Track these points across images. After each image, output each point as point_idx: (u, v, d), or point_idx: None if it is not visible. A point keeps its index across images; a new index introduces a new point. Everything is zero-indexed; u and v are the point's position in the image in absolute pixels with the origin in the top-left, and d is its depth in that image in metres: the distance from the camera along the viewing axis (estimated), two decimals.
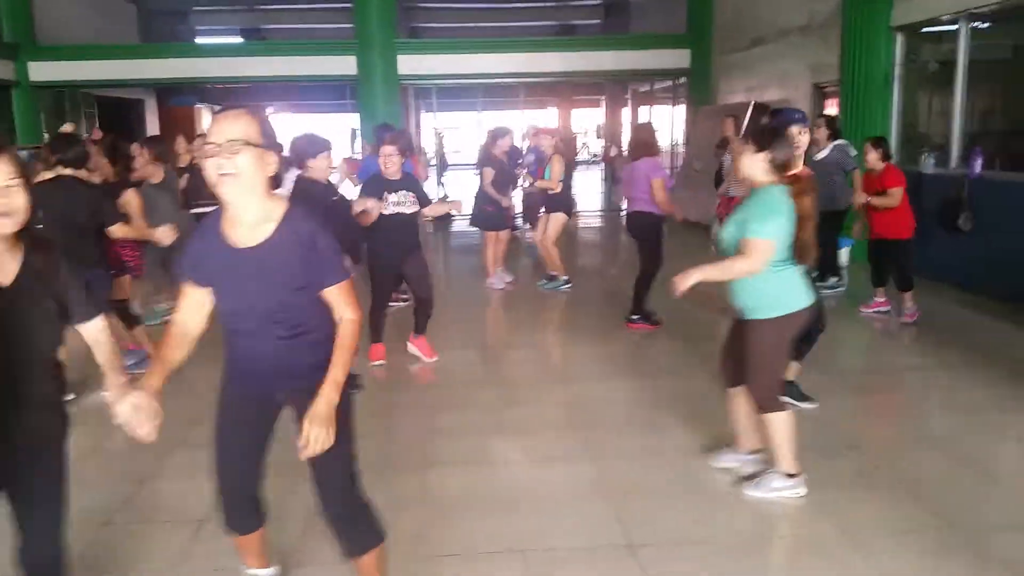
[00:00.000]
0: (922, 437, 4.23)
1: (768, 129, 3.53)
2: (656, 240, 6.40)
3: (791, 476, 3.52)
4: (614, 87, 22.42)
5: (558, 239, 8.17)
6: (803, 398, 4.52)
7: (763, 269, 3.28)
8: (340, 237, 2.44)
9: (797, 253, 3.35)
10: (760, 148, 3.32)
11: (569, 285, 8.07)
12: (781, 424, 3.48)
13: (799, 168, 3.80)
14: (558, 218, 8.07)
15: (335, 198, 5.00)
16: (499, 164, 8.32)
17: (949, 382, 5.06)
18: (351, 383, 2.37)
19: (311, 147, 4.75)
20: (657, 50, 15.24)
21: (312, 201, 4.48)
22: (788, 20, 10.89)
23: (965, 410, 4.58)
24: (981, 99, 7.84)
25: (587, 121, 28.45)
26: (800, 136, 4.27)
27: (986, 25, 7.51)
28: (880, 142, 6.39)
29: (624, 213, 6.68)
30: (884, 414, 4.74)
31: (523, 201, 10.26)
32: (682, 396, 4.79)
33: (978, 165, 7.26)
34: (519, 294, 8.11)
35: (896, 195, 6.10)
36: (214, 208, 2.35)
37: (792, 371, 4.46)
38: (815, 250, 3.42)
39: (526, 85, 21.56)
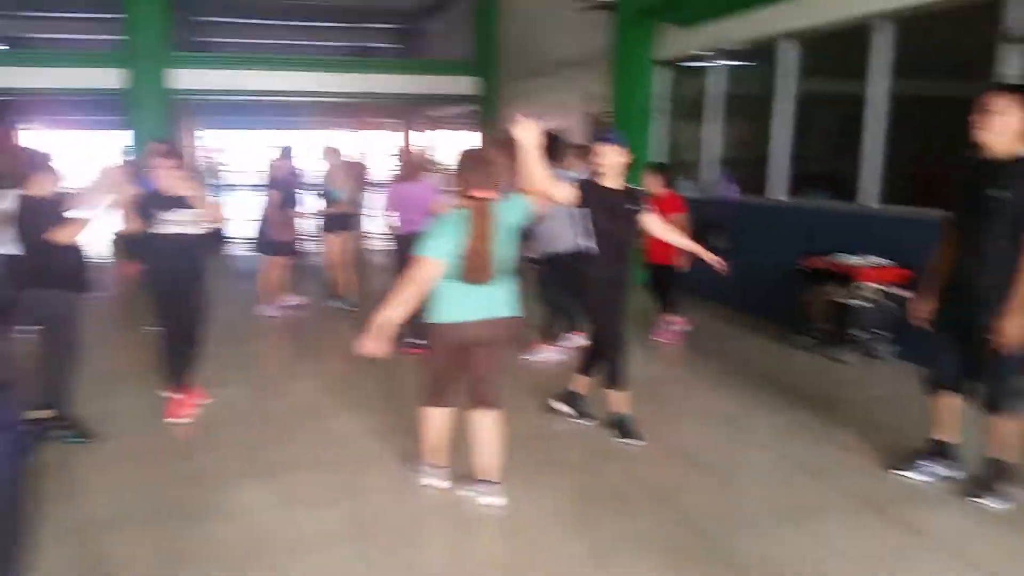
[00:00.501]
0: (672, 447, 4.42)
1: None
2: None
3: (435, 467, 3.80)
4: (413, 111, 22.52)
5: (348, 259, 8.14)
6: (583, 415, 4.70)
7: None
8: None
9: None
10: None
11: (355, 307, 7.92)
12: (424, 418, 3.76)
13: None
14: (345, 239, 8.13)
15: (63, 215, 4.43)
16: (285, 185, 8.01)
17: (704, 393, 5.37)
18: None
19: (30, 164, 4.25)
20: (448, 76, 15.48)
21: (41, 219, 4.11)
22: (563, 52, 11.39)
23: (717, 420, 4.86)
24: (735, 129, 8.53)
25: (387, 144, 28.31)
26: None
27: (738, 63, 8.21)
28: (660, 168, 6.72)
29: (397, 235, 6.57)
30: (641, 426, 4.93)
31: (313, 224, 9.96)
32: None
33: (730, 189, 7.90)
34: (296, 322, 7.78)
35: (678, 222, 6.37)
36: None
37: (582, 385, 4.70)
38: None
39: (318, 105, 21.13)
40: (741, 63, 8.21)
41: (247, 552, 3.26)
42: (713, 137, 8.52)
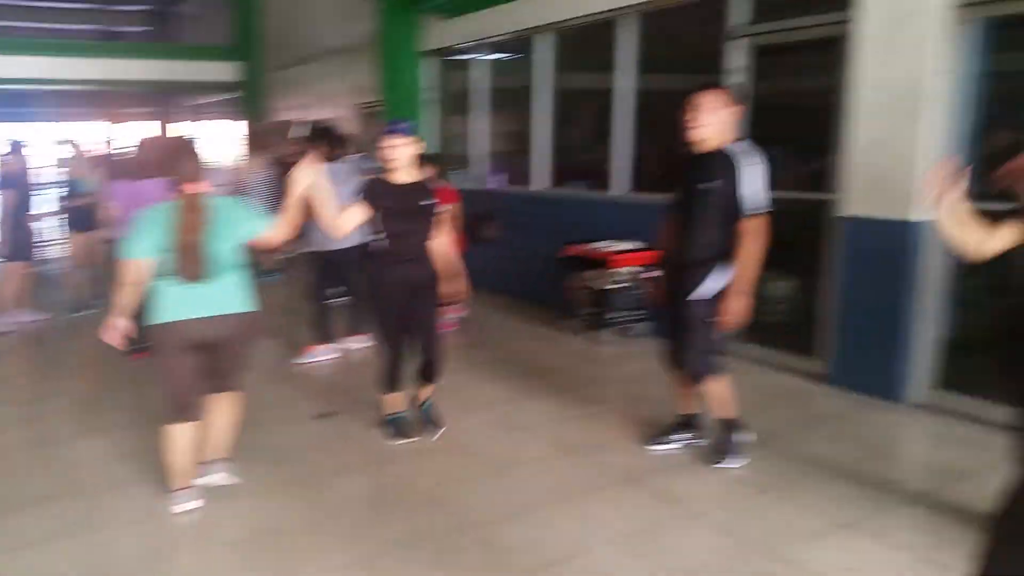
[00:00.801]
0: (449, 442, 4.40)
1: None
2: None
3: (185, 490, 3.53)
4: (167, 100, 20.88)
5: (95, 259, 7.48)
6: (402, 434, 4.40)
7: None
8: None
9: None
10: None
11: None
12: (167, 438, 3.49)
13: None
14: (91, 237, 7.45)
15: None
16: (19, 185, 7.14)
17: (478, 384, 5.41)
18: None
19: None
20: (205, 61, 14.52)
21: None
22: (330, 40, 11.05)
23: (491, 410, 4.92)
24: (500, 122, 8.71)
25: (141, 135, 26.07)
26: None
27: (500, 56, 8.37)
28: (433, 159, 6.63)
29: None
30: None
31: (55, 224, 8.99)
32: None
33: (498, 181, 8.06)
34: (37, 336, 6.95)
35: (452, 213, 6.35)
36: None
37: (398, 402, 4.43)
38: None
39: (59, 94, 19.00)
40: (503, 56, 8.39)
41: None
42: (480, 129, 8.65)
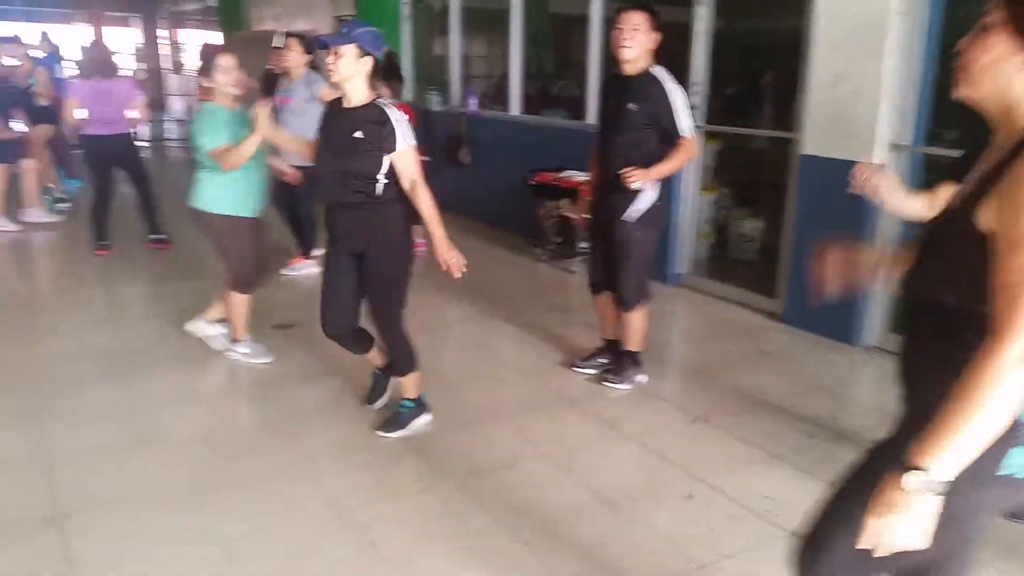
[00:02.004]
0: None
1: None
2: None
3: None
4: (147, 6, 20.19)
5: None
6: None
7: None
8: None
9: None
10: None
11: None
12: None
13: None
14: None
15: None
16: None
17: (447, 306, 5.45)
18: None
19: None
20: None
21: None
22: None
23: (456, 332, 4.99)
24: (478, 44, 8.55)
25: (124, 41, 25.34)
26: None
27: None
28: (389, 74, 6.51)
29: (97, 135, 6.17)
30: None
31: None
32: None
33: (473, 103, 7.96)
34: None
35: None
36: None
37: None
38: None
39: None
40: None
41: None
42: (456, 50, 8.49)
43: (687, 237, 6.01)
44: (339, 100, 3.25)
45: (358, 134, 3.14)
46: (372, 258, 3.30)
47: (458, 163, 7.92)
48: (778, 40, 5.37)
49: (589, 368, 4.27)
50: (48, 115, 7.42)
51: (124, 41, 25.08)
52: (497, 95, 8.08)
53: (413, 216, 3.33)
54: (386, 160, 3.16)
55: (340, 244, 3.34)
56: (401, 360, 3.52)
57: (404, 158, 3.19)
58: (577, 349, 4.58)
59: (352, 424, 3.60)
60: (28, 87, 7.47)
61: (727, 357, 4.62)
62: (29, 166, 7.41)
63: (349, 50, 3.08)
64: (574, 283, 6.17)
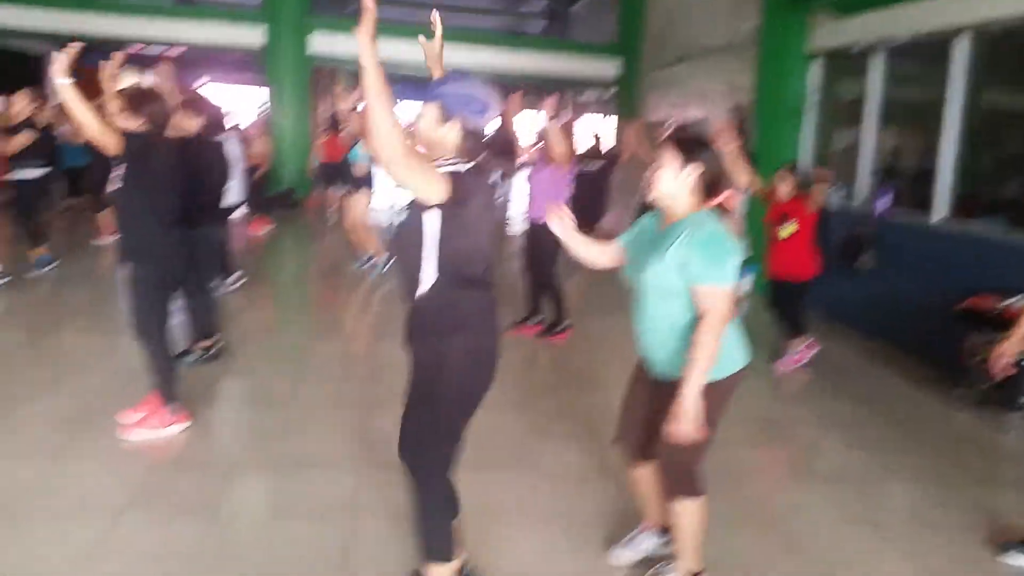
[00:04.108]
0: (792, 504, 3.64)
1: (697, 137, 2.70)
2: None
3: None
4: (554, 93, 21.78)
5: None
6: None
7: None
8: None
9: None
10: (688, 159, 2.58)
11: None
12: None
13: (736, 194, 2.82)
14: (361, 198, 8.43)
15: None
16: None
17: (833, 445, 4.49)
18: None
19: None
20: (591, 58, 14.84)
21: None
22: (710, 38, 10.41)
23: (842, 479, 4.02)
24: (893, 136, 7.42)
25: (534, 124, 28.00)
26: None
27: (903, 59, 7.09)
28: (792, 169, 5.79)
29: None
30: (760, 469, 4.12)
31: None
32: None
33: (885, 202, 6.82)
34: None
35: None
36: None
37: None
38: None
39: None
40: (907, 60, 7.08)
41: None
42: (868, 142, 7.42)
43: None
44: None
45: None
46: None
47: (856, 270, 6.81)
48: None
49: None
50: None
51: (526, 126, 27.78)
52: (913, 195, 6.84)
53: None
54: None
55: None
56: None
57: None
58: (1012, 532, 3.35)
59: None
60: None
61: None
62: None
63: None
64: (1007, 446, 4.74)
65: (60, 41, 3.59)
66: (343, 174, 11.37)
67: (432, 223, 2.29)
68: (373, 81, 2.04)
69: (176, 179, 4.01)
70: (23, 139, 7.00)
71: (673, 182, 2.59)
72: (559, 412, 4.68)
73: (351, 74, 18.21)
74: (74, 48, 3.52)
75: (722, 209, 2.72)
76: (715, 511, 2.95)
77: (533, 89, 21.11)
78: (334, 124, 11.37)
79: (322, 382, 5.02)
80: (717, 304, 2.46)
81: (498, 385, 2.51)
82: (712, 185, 2.61)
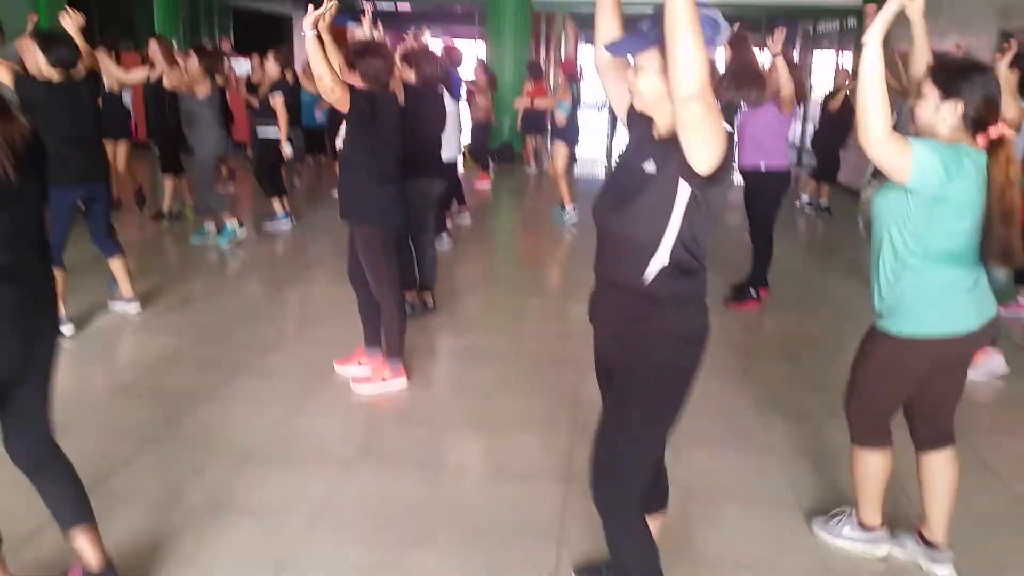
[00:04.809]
0: None
1: (959, 68, 2.39)
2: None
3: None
4: (789, 26, 20.01)
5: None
6: None
7: (892, 159, 2.21)
8: None
9: (989, 251, 2.33)
10: (947, 94, 2.33)
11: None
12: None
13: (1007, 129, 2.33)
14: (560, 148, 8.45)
15: None
16: None
17: None
18: None
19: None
20: None
21: None
22: None
23: None
24: None
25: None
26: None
27: None
28: None
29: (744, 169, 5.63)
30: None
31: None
32: None
33: None
34: None
35: None
36: None
37: None
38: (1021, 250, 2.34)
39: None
40: None
41: None
42: None
43: None
44: None
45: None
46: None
47: None
48: None
49: None
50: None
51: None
52: None
53: None
54: None
55: None
56: None
57: None
58: None
59: None
60: None
61: None
62: None
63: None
64: None
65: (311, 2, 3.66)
66: (543, 123, 11.45)
67: (683, 196, 1.88)
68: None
69: (397, 137, 4.02)
70: (278, 100, 7.39)
71: (932, 118, 2.34)
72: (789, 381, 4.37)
73: (575, 16, 18.07)
74: (332, 4, 3.62)
75: (995, 147, 2.27)
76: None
77: (754, 20, 19.81)
78: (537, 71, 11.30)
79: (534, 340, 5.03)
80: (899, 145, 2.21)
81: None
82: (978, 122, 2.30)
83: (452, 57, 8.98)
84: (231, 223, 7.05)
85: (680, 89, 1.69)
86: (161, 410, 3.81)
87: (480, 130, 10.95)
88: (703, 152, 1.79)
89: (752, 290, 5.63)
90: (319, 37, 3.53)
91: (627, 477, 2.08)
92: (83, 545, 2.30)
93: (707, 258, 2.02)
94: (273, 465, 3.35)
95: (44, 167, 2.13)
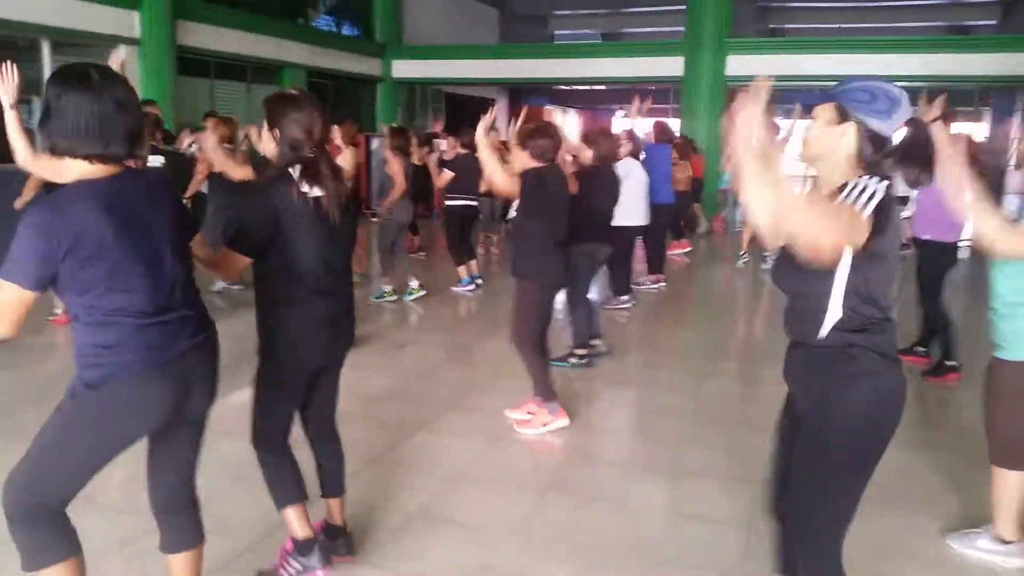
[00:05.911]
0: None
1: None
2: None
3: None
4: (1004, 103, 18.68)
5: None
6: None
7: None
8: None
9: None
10: None
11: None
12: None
13: None
14: None
15: None
16: None
17: None
18: None
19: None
20: None
21: None
22: None
23: None
24: None
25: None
26: None
27: None
28: None
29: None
30: None
31: None
32: None
33: None
34: None
35: None
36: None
37: None
38: None
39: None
40: None
41: None
42: None
43: None
44: None
45: None
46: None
47: None
48: None
49: None
50: None
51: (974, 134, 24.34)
52: None
53: None
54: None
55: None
56: None
57: None
58: None
59: None
60: None
61: None
62: None
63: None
64: None
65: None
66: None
67: (846, 254, 1.94)
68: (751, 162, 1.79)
69: (564, 206, 4.51)
70: (446, 176, 8.41)
71: None
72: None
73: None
74: (492, 112, 4.49)
75: None
76: None
77: (965, 93, 18.68)
78: (692, 144, 11.86)
79: (720, 399, 5.17)
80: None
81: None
82: None
83: (663, 132, 9.44)
84: (413, 284, 8.00)
85: (778, 223, 1.80)
86: (383, 434, 4.35)
87: (680, 199, 11.24)
88: (824, 242, 1.83)
89: (950, 362, 5.53)
90: (489, 138, 4.30)
91: (829, 543, 2.11)
92: (333, 505, 3.02)
93: (892, 310, 2.06)
94: (476, 488, 3.74)
95: (356, 212, 2.89)
